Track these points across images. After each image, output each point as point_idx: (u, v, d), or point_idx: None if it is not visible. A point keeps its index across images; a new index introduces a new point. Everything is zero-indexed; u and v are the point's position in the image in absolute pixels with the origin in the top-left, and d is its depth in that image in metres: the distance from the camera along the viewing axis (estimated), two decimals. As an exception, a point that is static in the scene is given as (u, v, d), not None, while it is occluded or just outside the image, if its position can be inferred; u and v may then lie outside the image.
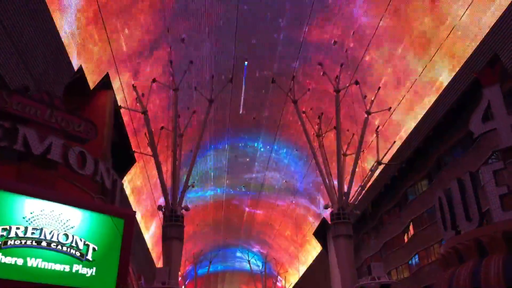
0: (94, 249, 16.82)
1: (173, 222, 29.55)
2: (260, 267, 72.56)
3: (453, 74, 27.59)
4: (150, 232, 49.27)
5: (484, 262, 16.82)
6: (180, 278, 47.65)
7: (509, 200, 19.43)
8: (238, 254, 77.87)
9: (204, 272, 72.13)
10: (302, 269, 66.87)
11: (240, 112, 40.71)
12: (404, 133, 34.38)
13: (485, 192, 18.67)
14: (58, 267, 15.81)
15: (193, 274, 69.69)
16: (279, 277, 73.62)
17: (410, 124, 33.28)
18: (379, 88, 32.71)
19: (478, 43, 25.02)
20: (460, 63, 26.80)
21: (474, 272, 16.91)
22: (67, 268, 16.00)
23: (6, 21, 17.67)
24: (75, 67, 23.54)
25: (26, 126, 16.41)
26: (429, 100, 30.55)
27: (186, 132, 34.91)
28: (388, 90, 32.92)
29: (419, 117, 31.98)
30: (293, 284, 72.60)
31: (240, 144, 47.61)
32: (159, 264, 49.66)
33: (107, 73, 27.07)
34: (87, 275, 16.47)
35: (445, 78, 28.58)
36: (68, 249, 16.14)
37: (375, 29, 29.52)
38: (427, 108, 30.91)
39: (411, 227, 37.10)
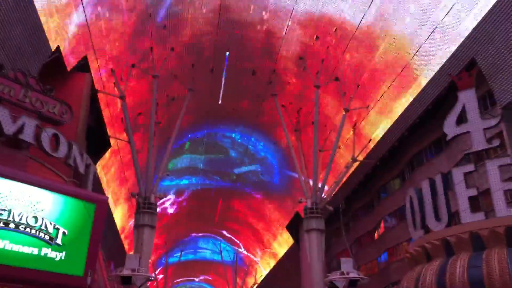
0: (64, 233, 16.64)
1: (146, 209, 29.34)
2: (232, 258, 72.74)
3: (431, 76, 28.01)
4: (122, 218, 48.86)
5: (451, 262, 17.23)
6: (150, 266, 47.45)
7: (478, 202, 19.92)
8: (210, 244, 77.87)
9: (175, 261, 71.98)
10: (274, 261, 67.33)
11: (219, 102, 40.55)
12: (380, 132, 34.80)
13: (455, 193, 19.08)
14: (26, 249, 15.59)
15: (164, 263, 69.47)
16: (249, 268, 73.97)
17: (387, 123, 33.69)
18: (358, 85, 32.99)
19: (456, 47, 25.43)
20: (438, 65, 27.22)
21: (440, 271, 17.31)
22: (35, 251, 15.80)
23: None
24: (53, 48, 23.05)
25: (-2, 105, 16.09)
26: (406, 100, 30.97)
27: (163, 120, 34.62)
28: (367, 88, 33.23)
29: (396, 116, 32.40)
30: (263, 276, 73.07)
31: (217, 135, 47.48)
32: (130, 251, 49.32)
33: (85, 55, 26.61)
34: (55, 259, 16.29)
35: (422, 79, 29.00)
36: (37, 232, 15.92)
37: (357, 27, 29.71)
38: (404, 108, 31.34)
39: (382, 225, 37.68)
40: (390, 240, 35.81)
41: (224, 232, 72.09)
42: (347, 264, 26.52)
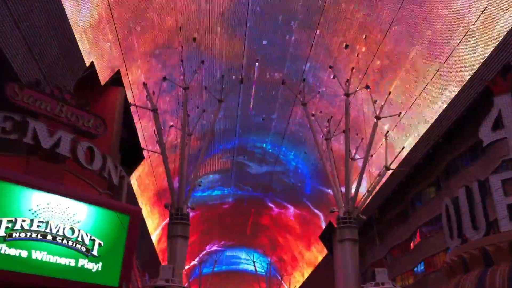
0: (100, 244, 16.92)
1: (179, 220, 29.59)
2: (265, 269, 72.46)
3: (465, 81, 27.41)
4: (156, 229, 49.43)
5: (490, 272, 16.69)
6: (184, 277, 47.75)
7: (517, 210, 19.25)
8: (243, 255, 77.82)
9: (208, 271, 72.19)
10: (307, 272, 66.72)
11: (250, 112, 40.72)
12: (413, 139, 34.19)
13: (493, 201, 18.53)
14: (64, 261, 15.91)
15: (198, 273, 69.76)
16: (283, 279, 73.49)
17: (420, 130, 33.09)
18: (390, 93, 32.58)
19: (490, 51, 24.85)
20: (472, 70, 26.62)
21: (479, 282, 16.78)
22: (72, 262, 16.10)
23: (17, 14, 17.84)
24: (87, 63, 23.70)
25: (36, 120, 16.57)
26: (440, 106, 30.37)
27: (195, 131, 34.97)
28: (399, 95, 32.78)
29: (429, 123, 31.79)
30: (297, 287, 72.45)
31: (248, 145, 47.61)
32: (164, 262, 49.79)
33: (118, 69, 27.23)
34: (92, 270, 16.57)
35: (456, 85, 28.40)
36: (74, 243, 16.24)
37: (386, 33, 29.42)
38: (438, 115, 30.72)
39: (417, 234, 36.88)
40: (426, 250, 35.00)
41: (257, 243, 71.97)
42: (382, 274, 26.03)
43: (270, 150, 48.26)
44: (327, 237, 52.12)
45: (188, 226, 30.00)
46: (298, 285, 71.79)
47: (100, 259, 16.85)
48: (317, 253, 60.04)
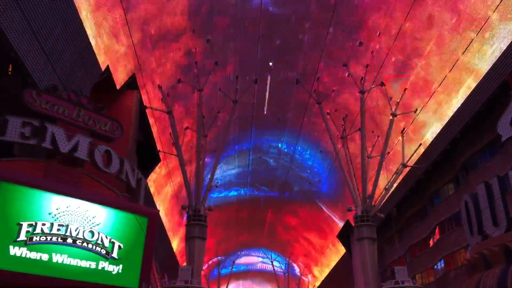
0: (119, 247, 17.07)
1: (196, 221, 29.77)
2: (283, 269, 72.39)
3: (482, 76, 27.04)
4: (174, 231, 49.71)
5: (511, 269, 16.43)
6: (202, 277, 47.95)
7: (539, 205, 18.93)
8: (261, 254, 77.88)
9: (227, 272, 72.42)
10: (325, 271, 66.47)
11: (264, 112, 40.74)
12: (430, 136, 33.85)
13: (513, 196, 18.23)
14: (84, 263, 16.09)
15: (216, 274, 70.01)
16: (301, 278, 73.34)
17: (437, 127, 32.75)
18: (405, 89, 32.31)
19: (507, 44, 24.48)
20: (489, 64, 26.25)
21: (500, 278, 16.54)
22: (93, 265, 16.28)
23: (34, 21, 18.10)
24: (102, 67, 23.95)
25: (54, 125, 16.79)
26: (457, 102, 30.01)
27: (210, 133, 35.13)
28: (414, 92, 32.48)
29: (446, 119, 31.44)
30: (316, 287, 72.23)
31: (263, 145, 47.63)
32: (182, 263, 50.07)
33: (134, 73, 27.46)
34: (113, 273, 16.72)
35: (473, 79, 28.04)
36: (94, 246, 16.41)
37: (400, 30, 29.17)
38: (455, 110, 30.37)
39: (436, 231, 36.49)
40: (446, 247, 34.60)
41: (274, 242, 71.94)
42: (401, 272, 25.86)
43: (285, 150, 48.21)
44: (345, 236, 51.87)
45: (205, 227, 30.18)
46: (317, 284, 71.57)
47: (120, 261, 17.01)
48: (335, 252, 59.79)
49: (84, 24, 21.28)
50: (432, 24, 27.76)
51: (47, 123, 16.55)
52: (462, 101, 29.45)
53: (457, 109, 30.06)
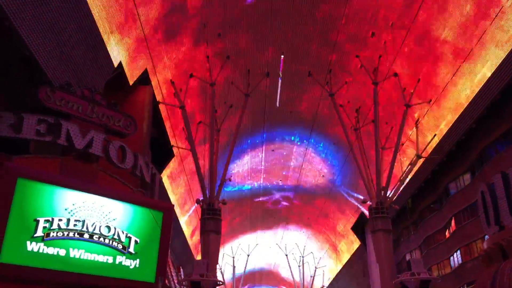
0: (136, 241, 17.26)
1: (210, 215, 29.90)
2: (298, 262, 72.42)
3: (497, 64, 26.64)
4: (189, 225, 50.01)
5: (530, 259, 16.27)
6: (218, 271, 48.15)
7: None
8: (276, 248, 77.96)
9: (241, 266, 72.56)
10: (340, 264, 66.41)
11: (277, 105, 40.66)
12: (445, 126, 33.51)
13: (530, 186, 18.02)
14: (101, 258, 16.29)
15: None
16: (316, 271, 73.33)
17: (452, 117, 32.40)
18: (419, 80, 31.98)
19: (523, 32, 24.08)
20: (504, 52, 25.85)
21: (519, 269, 16.39)
22: (110, 259, 16.48)
23: (46, 18, 18.23)
24: (115, 63, 24.07)
25: (69, 121, 16.97)
26: (472, 91, 29.64)
27: (223, 127, 35.16)
28: (428, 82, 32.13)
29: (461, 109, 31.08)
30: (331, 279, 72.21)
31: (276, 138, 47.58)
32: (197, 256, 50.39)
33: (146, 69, 27.56)
34: (130, 267, 16.93)
35: (488, 68, 27.65)
36: (111, 241, 16.60)
37: (414, 20, 28.84)
38: (470, 100, 30.00)
39: (452, 222, 36.22)
40: (462, 238, 34.34)
41: (289, 236, 72.00)
42: (417, 264, 25.68)
43: (298, 143, 48.11)
44: (360, 228, 51.75)
45: (220, 221, 30.30)
46: (332, 276, 71.54)
47: (137, 256, 17.20)
48: (350, 245, 59.67)
49: (96, 20, 21.37)
50: (446, 12, 27.38)
51: (62, 120, 16.73)
52: (477, 91, 29.08)
53: (472, 98, 29.69)
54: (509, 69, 25.56)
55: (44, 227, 15.22)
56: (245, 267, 68.75)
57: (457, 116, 31.75)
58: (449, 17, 27.40)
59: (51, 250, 15.19)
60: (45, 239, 15.14)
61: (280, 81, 37.68)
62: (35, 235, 14.96)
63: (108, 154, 17.66)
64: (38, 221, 15.14)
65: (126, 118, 19.00)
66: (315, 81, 34.89)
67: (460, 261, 34.86)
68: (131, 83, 26.18)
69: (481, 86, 28.52)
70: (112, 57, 23.58)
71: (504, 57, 25.90)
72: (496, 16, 25.00)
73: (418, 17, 28.55)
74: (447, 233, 37.51)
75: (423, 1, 27.56)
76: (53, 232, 15.36)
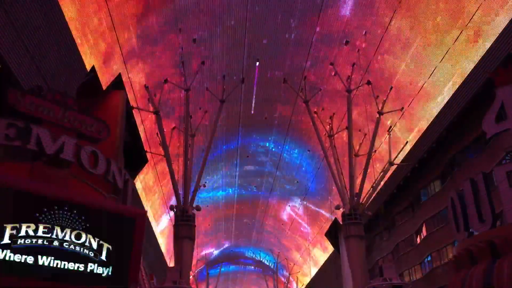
0: (108, 248, 16.90)
1: (184, 221, 29.66)
2: (272, 268, 72.48)
3: (467, 73, 27.33)
4: (162, 231, 49.49)
5: (497, 264, 16.61)
6: (191, 278, 47.79)
7: (523, 201, 19.13)
8: (250, 254, 77.89)
9: (215, 272, 72.29)
10: (314, 270, 66.71)
11: (252, 112, 40.72)
12: (416, 133, 34.15)
13: (498, 193, 18.43)
14: (72, 266, 15.90)
15: (205, 274, 69.86)
16: (290, 277, 73.50)
17: (423, 124, 33.04)
18: (391, 88, 32.53)
19: (491, 43, 24.76)
20: (473, 62, 26.54)
21: (486, 274, 16.71)
22: (81, 267, 16.08)
23: (18, 21, 17.88)
24: (88, 67, 23.74)
25: (39, 126, 16.54)
26: (442, 100, 30.30)
27: (197, 132, 35.01)
28: (401, 90, 32.72)
29: (432, 117, 31.73)
30: (304, 285, 72.45)
31: (251, 144, 47.63)
32: (170, 264, 49.88)
33: (119, 73, 27.26)
34: (102, 275, 16.55)
35: (457, 78, 28.33)
36: (82, 248, 16.25)
37: (386, 29, 29.36)
38: (440, 108, 30.66)
39: (423, 228, 36.82)
40: (433, 244, 34.93)
41: (263, 242, 72.00)
42: (389, 269, 26.04)
43: (273, 149, 48.25)
44: (333, 234, 52.09)
45: (193, 227, 30.09)
46: (306, 282, 71.78)
47: (109, 263, 16.87)
48: (324, 251, 60.03)
49: (69, 23, 21.07)
50: (417, 22, 27.98)
51: (32, 124, 16.31)
52: (447, 99, 29.75)
53: (443, 107, 30.36)
54: (478, 77, 26.23)
55: (11, 234, 14.79)
56: (219, 271, 68.52)
57: (428, 124, 32.40)
58: (420, 27, 28.02)
59: (18, 257, 14.75)
60: (13, 246, 14.71)
61: (255, 87, 37.78)
62: (1, 242, 14.53)
63: (79, 159, 17.28)
64: (5, 228, 14.71)
65: (99, 123, 18.66)
66: (290, 88, 35.12)
67: (431, 267, 35.44)
68: (104, 87, 25.84)
69: (451, 94, 29.20)
70: (85, 61, 23.25)
71: (473, 66, 26.58)
72: (465, 26, 25.69)
73: (391, 26, 29.08)
74: (418, 239, 38.10)
75: (395, 12, 28.09)
76: (21, 239, 14.94)
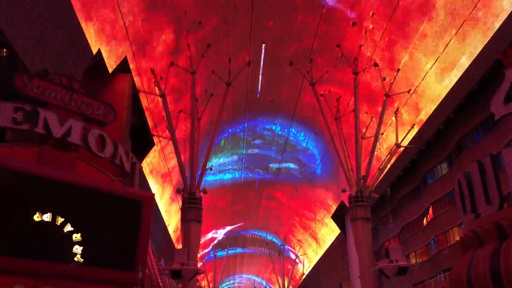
0: (115, 230, 17.11)
1: (191, 204, 29.84)
2: (279, 250, 72.98)
3: (475, 55, 27.00)
4: (169, 214, 49.86)
5: (504, 246, 16.62)
6: (199, 260, 48.28)
7: (531, 183, 19.05)
8: (257, 236, 78.36)
9: (222, 254, 72.90)
10: (320, 252, 67.10)
11: (258, 95, 40.58)
12: (424, 116, 33.92)
13: (506, 175, 18.35)
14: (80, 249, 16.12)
15: (212, 256, 70.50)
16: (297, 259, 74.02)
17: (430, 107, 32.80)
18: (399, 69, 32.25)
19: (500, 23, 24.40)
20: (482, 43, 26.20)
21: (493, 256, 16.73)
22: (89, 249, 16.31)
23: (24, 5, 17.82)
24: (94, 51, 23.69)
25: (46, 109, 16.64)
26: (450, 81, 30.01)
27: (204, 116, 34.99)
28: (408, 72, 32.42)
29: (440, 99, 31.48)
30: (311, 267, 72.98)
31: (257, 127, 47.56)
32: (178, 246, 50.34)
33: (125, 57, 27.19)
34: (110, 256, 16.80)
35: (466, 59, 28.00)
36: (90, 231, 16.44)
37: (394, 9, 28.98)
38: (448, 90, 30.39)
39: (430, 211, 36.83)
40: (439, 226, 34.97)
41: (270, 224, 72.38)
42: (395, 251, 26.15)
43: (279, 132, 48.18)
44: (340, 217, 52.26)
45: (201, 210, 30.27)
46: (312, 264, 72.29)
47: (117, 245, 17.08)
48: (330, 233, 60.28)
49: (74, 7, 20.96)
50: (425, 3, 27.59)
51: (39, 107, 16.40)
52: (455, 81, 29.47)
53: (450, 88, 30.09)
54: (487, 60, 25.94)
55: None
56: (226, 253, 69.08)
57: (436, 106, 32.16)
58: (428, 7, 27.63)
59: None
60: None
61: (261, 70, 37.58)
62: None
63: (87, 142, 17.41)
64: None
65: (105, 106, 18.73)
66: (296, 70, 34.91)
67: (437, 249, 35.54)
68: (110, 71, 25.81)
69: (459, 76, 28.90)
70: (90, 44, 23.19)
71: (482, 48, 26.25)
72: (474, 7, 25.30)
73: (399, 7, 28.70)
74: (424, 221, 38.15)
75: (403, -9, 27.71)
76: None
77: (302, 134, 47.82)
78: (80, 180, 16.74)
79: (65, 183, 16.20)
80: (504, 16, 24.05)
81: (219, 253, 72.35)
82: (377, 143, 32.95)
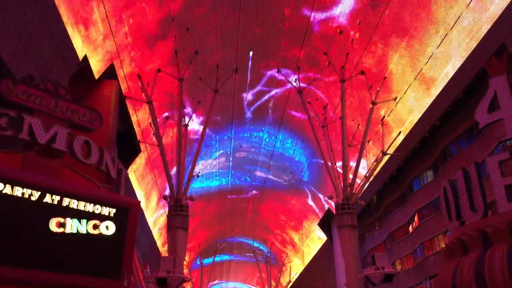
0: (101, 237, 16.90)
1: (178, 211, 29.64)
2: (265, 258, 72.80)
3: (460, 64, 27.38)
4: (156, 221, 49.52)
5: (489, 253, 16.79)
6: (185, 268, 47.94)
7: (515, 190, 19.30)
8: (243, 244, 78.13)
9: (209, 262, 72.49)
10: (307, 259, 67.11)
11: (245, 102, 40.63)
12: (410, 124, 34.25)
13: (490, 182, 18.58)
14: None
15: (198, 264, 70.06)
16: (283, 267, 73.91)
17: (416, 115, 33.13)
18: (385, 77, 32.55)
19: (484, 33, 24.79)
20: (466, 53, 26.58)
21: (478, 263, 16.89)
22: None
23: (11, 10, 17.67)
24: (80, 57, 23.54)
25: (31, 115, 16.43)
26: (435, 90, 30.38)
27: (191, 122, 34.88)
28: (394, 80, 32.76)
29: (425, 107, 31.82)
30: (297, 274, 72.90)
31: (245, 135, 47.59)
32: (164, 253, 49.96)
33: (112, 63, 27.06)
34: (94, 264, 16.57)
35: (451, 68, 28.38)
36: (75, 238, 16.22)
37: (380, 19, 29.29)
38: (433, 98, 30.74)
39: (416, 218, 37.09)
40: (425, 233, 35.23)
41: (257, 232, 72.25)
42: (381, 258, 26.22)
43: (267, 139, 48.25)
44: (326, 224, 52.39)
45: (187, 217, 30.06)
46: (299, 272, 72.24)
47: (102, 252, 16.87)
48: (317, 240, 60.35)
49: (61, 13, 20.84)
50: (411, 12, 27.94)
51: (24, 113, 16.20)
52: (441, 89, 29.83)
53: (436, 97, 30.44)
54: (472, 68, 26.30)
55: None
56: (213, 261, 68.71)
57: (421, 114, 32.49)
58: (414, 17, 27.99)
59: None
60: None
61: (249, 77, 37.66)
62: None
63: (72, 149, 17.20)
64: None
65: (92, 112, 18.54)
66: (284, 78, 35.04)
67: (423, 256, 35.75)
68: (96, 77, 25.66)
69: (444, 85, 29.26)
70: (77, 50, 23.05)
71: (466, 57, 26.62)
72: (459, 16, 25.69)
73: (384, 16, 29.02)
74: (410, 228, 38.40)
75: (389, 1, 28.03)
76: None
77: (290, 141, 47.97)
78: (64, 187, 16.53)
79: (50, 189, 15.98)
80: (488, 25, 24.44)
81: (205, 261, 71.94)
82: (364, 150, 33.14)
